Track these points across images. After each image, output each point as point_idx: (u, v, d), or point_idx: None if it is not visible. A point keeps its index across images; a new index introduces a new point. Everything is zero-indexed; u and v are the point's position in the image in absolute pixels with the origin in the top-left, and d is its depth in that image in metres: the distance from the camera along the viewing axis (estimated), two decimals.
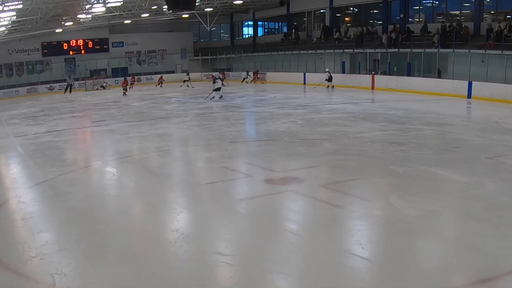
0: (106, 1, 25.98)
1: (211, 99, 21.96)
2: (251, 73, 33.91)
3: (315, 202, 6.95)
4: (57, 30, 33.64)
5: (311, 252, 5.16)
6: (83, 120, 18.31)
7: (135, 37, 39.95)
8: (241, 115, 17.91)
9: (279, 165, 9.07)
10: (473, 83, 19.77)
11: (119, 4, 27.80)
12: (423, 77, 23.12)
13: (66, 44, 37.76)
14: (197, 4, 26.68)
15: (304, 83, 30.47)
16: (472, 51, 20.75)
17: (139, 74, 38.49)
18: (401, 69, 25.13)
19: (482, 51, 20.09)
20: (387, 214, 6.32)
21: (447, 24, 22.85)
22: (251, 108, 19.57)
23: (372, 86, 25.60)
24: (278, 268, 4.78)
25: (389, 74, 25.64)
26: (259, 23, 40.64)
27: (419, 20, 26.22)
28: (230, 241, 5.57)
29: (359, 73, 27.78)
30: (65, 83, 33.20)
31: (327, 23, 31.84)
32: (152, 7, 30.04)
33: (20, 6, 21.44)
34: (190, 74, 34.34)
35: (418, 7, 26.75)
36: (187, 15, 34.79)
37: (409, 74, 24.16)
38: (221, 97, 22.02)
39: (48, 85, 34.89)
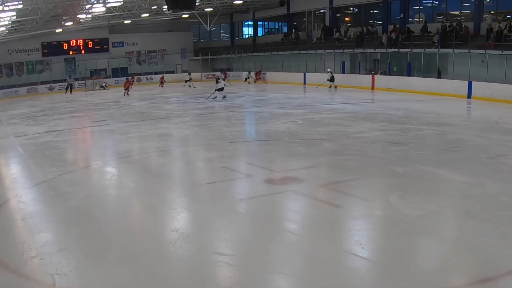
0: (106, 1, 25.98)
1: (213, 98, 21.97)
2: (252, 73, 33.88)
3: (315, 202, 6.95)
4: (57, 30, 33.65)
5: (311, 252, 5.16)
6: (83, 120, 18.31)
7: (135, 37, 39.96)
8: (241, 115, 17.91)
9: (279, 165, 9.07)
10: (473, 83, 19.77)
11: (119, 4, 27.80)
12: (423, 77, 23.13)
13: (66, 44, 37.77)
14: (197, 4, 26.68)
15: (304, 83, 30.48)
16: (472, 51, 20.75)
17: (139, 74, 38.50)
18: (401, 69, 25.13)
19: (482, 51, 20.09)
20: (387, 214, 6.32)
21: (447, 24, 22.85)
22: (251, 108, 19.57)
23: (372, 86, 25.60)
24: (278, 268, 4.78)
25: (389, 74, 25.65)
26: (259, 23, 40.65)
27: (419, 20, 26.22)
28: (230, 241, 5.57)
29: (359, 73, 27.78)
30: (65, 83, 33.20)
31: (327, 23, 31.85)
32: (152, 7, 30.04)
33: (20, 6, 21.44)
34: (191, 74, 34.33)
35: (418, 7, 26.75)
36: (187, 15, 34.80)
37: (409, 74, 24.16)
38: (224, 97, 22.04)
39: (48, 85, 34.91)
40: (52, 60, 37.22)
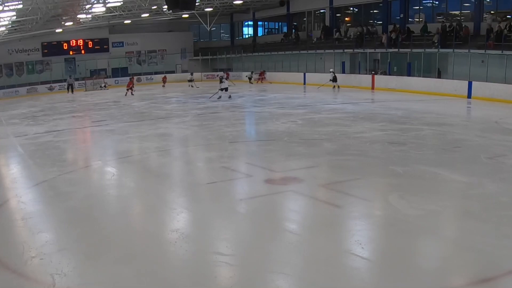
0: (106, 1, 25.98)
1: (218, 98, 21.97)
2: (255, 74, 33.81)
3: (315, 202, 6.96)
4: (57, 30, 33.65)
5: (311, 252, 5.16)
6: (83, 120, 18.32)
7: (135, 37, 39.95)
8: (241, 115, 17.91)
9: (279, 165, 9.07)
10: (473, 83, 19.77)
11: (119, 4, 27.80)
12: (423, 77, 23.12)
13: (66, 44, 37.78)
14: (197, 4, 26.68)
15: (304, 83, 30.49)
16: (472, 51, 20.75)
17: (139, 74, 38.49)
18: (401, 69, 25.13)
19: (482, 51, 20.09)
20: (387, 214, 6.32)
21: (447, 24, 22.85)
22: (251, 108, 19.57)
23: (372, 86, 25.60)
24: (278, 268, 4.79)
25: (389, 74, 25.65)
26: (259, 23, 40.65)
27: (419, 20, 26.22)
28: (230, 241, 5.57)
29: (359, 73, 27.78)
30: (65, 83, 33.18)
31: (327, 23, 31.85)
32: (152, 7, 30.04)
33: (20, 6, 21.44)
34: (193, 74, 34.23)
35: (418, 7, 26.75)
36: (187, 15, 34.80)
37: (409, 74, 24.16)
38: (230, 97, 22.05)
39: (48, 85, 34.92)
40: (52, 60, 37.23)
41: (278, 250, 5.19)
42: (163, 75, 35.10)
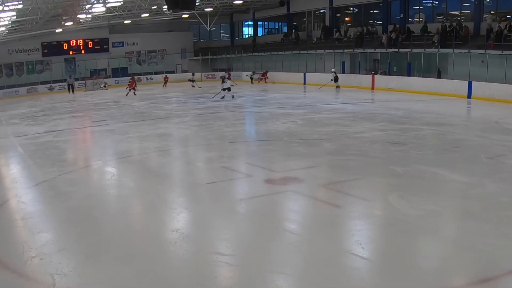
0: (106, 1, 25.98)
1: (221, 98, 21.98)
2: (255, 75, 33.74)
3: (315, 202, 6.96)
4: (57, 30, 33.65)
5: (311, 252, 5.16)
6: (83, 120, 18.32)
7: (135, 37, 39.96)
8: (241, 115, 17.92)
9: (279, 165, 9.07)
10: (473, 83, 19.77)
11: (119, 4, 27.81)
12: (423, 77, 23.12)
13: (66, 44, 37.78)
14: (197, 4, 26.68)
15: (304, 83, 30.48)
16: (472, 51, 20.75)
17: (139, 74, 38.49)
18: (401, 69, 25.13)
19: (482, 51, 20.09)
20: (387, 214, 6.32)
21: (447, 24, 22.85)
22: (251, 108, 19.57)
23: (372, 86, 25.60)
24: (278, 268, 4.79)
25: (389, 74, 25.65)
26: (259, 23, 40.65)
27: (419, 20, 26.22)
28: (230, 241, 5.57)
29: (359, 73, 27.78)
30: (65, 83, 33.16)
31: (327, 23, 31.85)
32: (152, 7, 30.05)
33: (20, 6, 21.44)
34: (195, 75, 34.13)
35: (418, 7, 26.75)
36: (187, 15, 34.80)
37: (409, 74, 24.16)
38: (233, 97, 22.06)
39: (48, 85, 34.92)
40: (52, 60, 37.24)
41: (278, 250, 5.19)
42: (164, 75, 35.02)
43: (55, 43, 37.20)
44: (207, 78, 38.48)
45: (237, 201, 7.05)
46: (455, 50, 21.54)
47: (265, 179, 7.99)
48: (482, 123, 13.84)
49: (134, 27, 37.72)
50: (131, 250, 5.28)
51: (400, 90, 23.16)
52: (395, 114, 15.41)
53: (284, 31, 38.07)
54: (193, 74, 33.36)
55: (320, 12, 33.50)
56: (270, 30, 41.27)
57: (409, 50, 24.18)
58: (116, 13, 29.66)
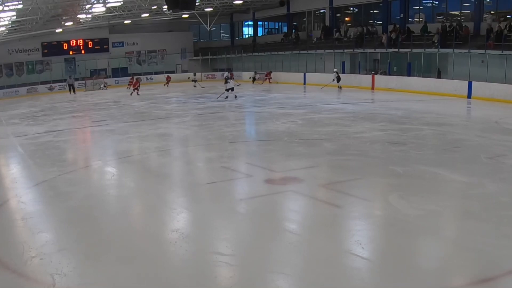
0: (106, 1, 25.99)
1: (225, 98, 21.98)
2: (257, 75, 33.71)
3: (315, 202, 6.96)
4: (57, 30, 33.65)
5: (311, 252, 5.17)
6: (83, 120, 18.32)
7: (135, 37, 39.96)
8: (241, 115, 17.92)
9: (279, 165, 9.07)
10: (473, 83, 19.77)
11: (119, 4, 27.81)
12: (423, 77, 23.12)
13: (66, 44, 37.79)
14: (197, 4, 26.68)
15: (304, 83, 30.47)
16: (472, 51, 20.75)
17: (139, 74, 38.44)
18: (401, 69, 25.13)
19: (482, 51, 20.09)
20: (387, 214, 6.32)
21: (447, 24, 22.85)
22: (251, 108, 19.57)
23: (372, 86, 25.59)
24: (278, 268, 4.79)
25: (389, 74, 25.64)
26: (259, 23, 40.65)
27: (419, 20, 26.22)
28: (230, 241, 5.57)
29: (359, 73, 27.77)
30: (65, 83, 33.13)
31: (327, 23, 31.84)
32: (152, 7, 30.05)
33: (20, 6, 21.45)
34: (196, 75, 34.03)
35: (418, 7, 26.75)
36: (187, 15, 34.79)
37: (409, 74, 24.15)
38: (235, 97, 22.08)
39: (48, 85, 34.91)
40: (52, 60, 37.24)
41: (278, 250, 5.19)
42: (166, 75, 34.92)
43: (55, 43, 37.21)
44: (207, 78, 38.46)
45: (237, 201, 7.05)
46: (455, 50, 21.54)
47: (265, 179, 7.99)
48: (482, 123, 13.84)
49: (134, 27, 37.72)
50: (131, 250, 5.28)
51: (400, 90, 23.15)
52: (395, 114, 15.41)
53: (284, 31, 38.07)
54: (194, 74, 33.25)
55: (320, 12, 33.50)
56: (270, 30, 41.27)
57: (409, 50, 24.18)
58: (116, 13, 29.66)
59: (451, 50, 21.70)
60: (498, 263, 4.68)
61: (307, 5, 33.62)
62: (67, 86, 32.63)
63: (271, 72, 32.83)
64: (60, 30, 33.70)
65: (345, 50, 28.56)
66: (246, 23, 41.93)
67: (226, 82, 22.72)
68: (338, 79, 25.51)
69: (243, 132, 14.27)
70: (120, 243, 5.57)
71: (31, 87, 34.23)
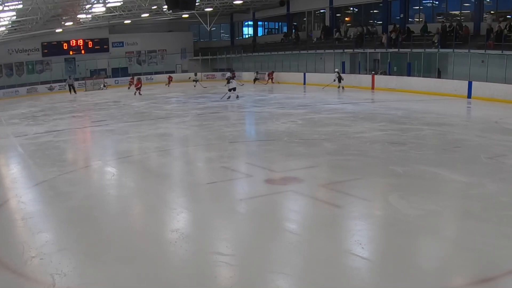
0: (106, 1, 25.99)
1: (227, 98, 21.98)
2: (259, 75, 33.68)
3: (315, 202, 6.96)
4: (57, 30, 33.64)
5: (311, 252, 5.17)
6: (83, 120, 18.32)
7: (135, 37, 39.95)
8: (241, 115, 17.92)
9: (279, 165, 9.07)
10: (473, 83, 19.77)
11: (119, 4, 27.81)
12: (423, 77, 23.11)
13: (66, 44, 37.77)
14: (197, 4, 26.68)
15: (304, 83, 30.47)
16: (472, 51, 20.74)
17: (139, 74, 38.41)
18: (401, 69, 25.12)
19: (482, 51, 20.08)
20: (387, 214, 6.32)
21: (447, 24, 22.84)
22: (251, 108, 19.57)
23: (372, 86, 25.59)
24: (278, 268, 4.79)
25: (389, 74, 25.63)
26: (259, 23, 40.65)
27: (419, 20, 26.21)
28: (230, 241, 5.57)
29: (359, 73, 27.76)
30: (65, 83, 33.09)
31: (327, 23, 31.84)
32: (152, 7, 30.04)
33: (20, 6, 21.45)
34: (197, 75, 33.96)
35: (418, 7, 26.75)
36: (187, 15, 34.79)
37: (409, 74, 24.15)
38: (237, 97, 22.08)
39: (48, 85, 34.89)
40: (52, 60, 37.22)
41: (278, 250, 5.19)
42: (168, 75, 34.84)
43: (55, 43, 37.20)
44: (207, 78, 38.44)
45: (237, 201, 7.05)
46: (455, 50, 21.53)
47: (265, 179, 7.99)
48: (482, 123, 13.84)
49: (134, 27, 37.72)
50: (131, 250, 5.28)
51: (400, 90, 23.15)
52: (395, 114, 15.41)
53: (284, 31, 38.06)
54: (195, 74, 33.18)
55: (320, 12, 33.49)
56: (270, 30, 41.26)
57: (409, 50, 24.17)
58: (116, 13, 29.66)
59: (451, 50, 21.69)
60: (498, 263, 4.68)
61: (307, 5, 33.62)
62: (67, 86, 32.57)
63: (273, 72, 32.72)
64: (60, 30, 33.69)
65: (345, 50, 28.56)
66: (246, 23, 41.93)
67: (228, 82, 22.71)
68: (340, 79, 25.43)
69: (243, 132, 14.27)
70: (120, 243, 5.57)
71: (31, 87, 34.22)
